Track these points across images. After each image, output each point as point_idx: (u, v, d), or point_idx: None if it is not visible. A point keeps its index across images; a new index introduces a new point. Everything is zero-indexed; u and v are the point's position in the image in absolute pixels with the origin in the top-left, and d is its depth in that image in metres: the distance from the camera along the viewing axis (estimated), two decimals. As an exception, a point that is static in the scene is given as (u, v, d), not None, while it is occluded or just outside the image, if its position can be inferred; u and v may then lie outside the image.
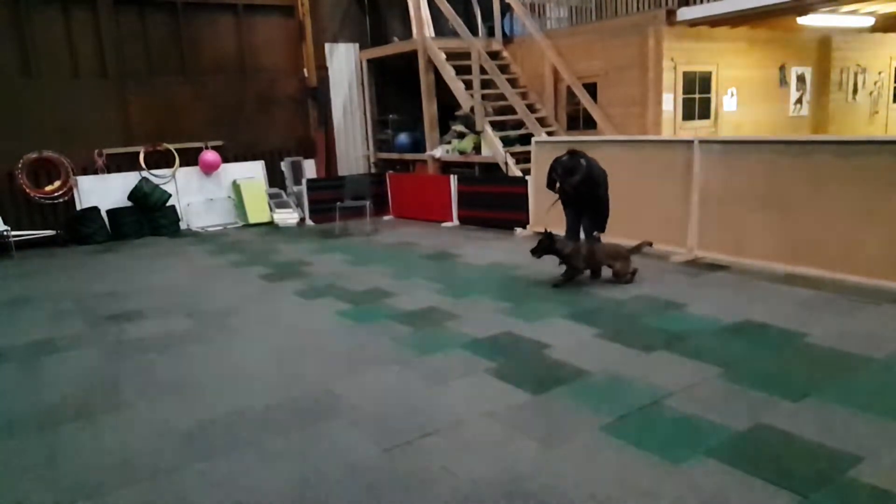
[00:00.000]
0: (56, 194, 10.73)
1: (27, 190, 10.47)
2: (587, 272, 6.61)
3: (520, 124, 11.10)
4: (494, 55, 11.87)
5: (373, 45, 13.53)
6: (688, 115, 10.40)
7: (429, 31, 11.84)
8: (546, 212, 6.94)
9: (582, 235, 6.78)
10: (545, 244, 6.46)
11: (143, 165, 11.39)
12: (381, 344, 5.20)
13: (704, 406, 3.80)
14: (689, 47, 10.03)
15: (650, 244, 6.80)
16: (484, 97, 11.05)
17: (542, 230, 6.60)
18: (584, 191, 6.51)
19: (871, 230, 5.94)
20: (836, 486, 2.98)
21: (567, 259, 6.50)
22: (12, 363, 5.24)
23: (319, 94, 13.10)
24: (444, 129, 12.20)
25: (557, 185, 6.75)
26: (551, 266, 6.57)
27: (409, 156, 13.02)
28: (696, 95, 10.45)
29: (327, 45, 13.14)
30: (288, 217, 11.81)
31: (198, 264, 8.82)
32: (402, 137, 13.14)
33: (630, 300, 5.98)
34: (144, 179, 11.32)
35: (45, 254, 10.07)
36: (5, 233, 10.01)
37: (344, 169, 13.40)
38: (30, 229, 10.49)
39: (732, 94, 10.86)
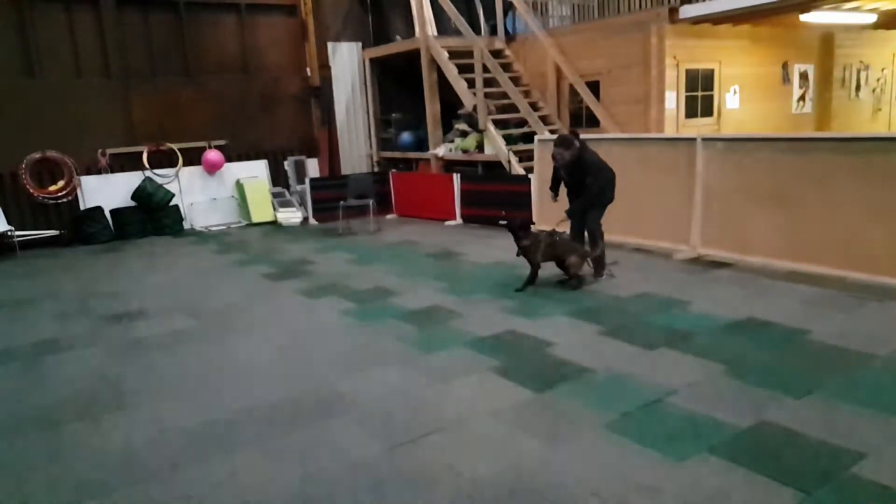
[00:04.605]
0: (59, 194, 10.75)
1: (31, 190, 10.49)
2: (578, 275, 6.55)
3: (522, 122, 11.10)
4: (497, 53, 11.87)
5: (375, 44, 13.54)
6: (690, 112, 10.39)
7: (431, 29, 11.84)
8: (554, 199, 6.97)
9: (586, 236, 6.77)
10: (516, 223, 6.53)
11: (147, 165, 11.40)
12: (385, 342, 5.22)
13: (707, 403, 3.80)
14: (691, 45, 10.03)
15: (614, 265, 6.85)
16: (486, 95, 11.05)
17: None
18: (576, 177, 6.54)
19: (874, 227, 5.93)
20: (839, 483, 2.98)
21: (525, 252, 6.48)
22: (17, 363, 5.27)
23: (322, 93, 13.11)
24: (446, 127, 12.22)
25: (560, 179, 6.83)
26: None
27: (412, 154, 13.03)
28: (699, 93, 10.44)
29: (330, 45, 13.16)
30: (291, 216, 11.83)
31: (201, 264, 8.84)
32: (405, 136, 13.15)
33: (633, 298, 5.99)
34: (148, 179, 11.34)
35: (49, 253, 10.10)
36: (9, 233, 10.04)
37: (347, 168, 13.42)
38: (34, 229, 10.52)
39: (735, 92, 10.85)
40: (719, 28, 10.21)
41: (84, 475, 3.45)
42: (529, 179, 9.46)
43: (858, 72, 12.35)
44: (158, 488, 3.28)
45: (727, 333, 4.96)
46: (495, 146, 10.74)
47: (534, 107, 11.26)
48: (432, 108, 12.03)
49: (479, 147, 11.22)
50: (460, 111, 11.68)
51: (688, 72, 10.16)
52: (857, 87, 12.42)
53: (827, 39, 11.85)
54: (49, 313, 6.65)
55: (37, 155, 10.52)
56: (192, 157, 11.82)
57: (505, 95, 11.18)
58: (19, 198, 10.57)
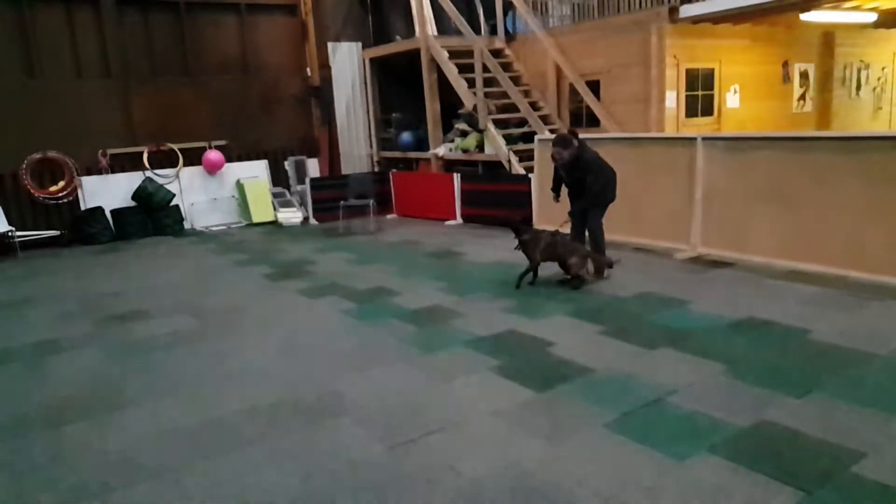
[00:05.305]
0: (60, 195, 10.76)
1: (31, 190, 10.50)
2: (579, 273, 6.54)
3: (522, 122, 11.10)
4: (497, 53, 11.87)
5: (375, 43, 13.54)
6: (691, 112, 10.39)
7: (431, 29, 11.85)
8: (556, 199, 6.99)
9: (587, 235, 6.77)
10: (513, 222, 6.59)
11: (147, 165, 11.41)
12: (386, 342, 5.22)
13: (708, 403, 3.80)
14: (691, 44, 10.02)
15: (617, 261, 6.84)
16: (487, 95, 11.05)
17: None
18: (576, 177, 6.56)
19: (875, 226, 5.93)
20: (840, 482, 2.98)
21: (524, 246, 6.50)
22: (18, 363, 5.27)
23: (322, 93, 13.12)
24: (447, 127, 12.21)
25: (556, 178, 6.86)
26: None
27: (412, 154, 13.03)
28: (699, 92, 10.44)
29: (330, 45, 13.16)
30: (291, 216, 11.83)
31: (202, 264, 8.84)
32: (406, 136, 13.15)
33: (633, 297, 5.98)
34: (148, 179, 11.35)
35: (50, 254, 10.11)
36: (10, 233, 10.04)
37: (347, 168, 13.42)
38: (34, 230, 10.53)
39: (735, 91, 10.84)
40: (719, 27, 10.21)
41: (85, 475, 3.45)
42: (529, 179, 9.46)
43: (859, 71, 12.35)
44: (159, 488, 3.28)
45: (727, 333, 4.96)
46: (495, 146, 10.74)
47: (534, 106, 11.27)
48: (432, 107, 12.03)
49: (480, 147, 11.22)
50: (460, 111, 11.67)
51: (688, 71, 10.15)
52: (858, 86, 12.41)
53: (827, 38, 11.84)
54: (50, 314, 6.66)
55: (37, 155, 10.53)
56: (193, 158, 11.82)
57: (505, 95, 11.18)
58: (20, 198, 10.58)
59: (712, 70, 10.52)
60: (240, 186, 12.08)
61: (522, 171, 10.08)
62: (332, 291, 6.86)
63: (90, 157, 11.06)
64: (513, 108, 11.14)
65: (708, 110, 10.62)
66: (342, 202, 10.59)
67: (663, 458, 3.25)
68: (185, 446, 3.69)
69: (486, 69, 10.98)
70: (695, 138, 7.36)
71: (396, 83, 13.57)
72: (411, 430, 3.70)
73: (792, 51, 11.47)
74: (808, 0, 9.04)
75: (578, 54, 10.91)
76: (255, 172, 12.35)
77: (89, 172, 11.11)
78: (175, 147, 11.64)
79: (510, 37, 12.33)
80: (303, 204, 12.14)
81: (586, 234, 6.74)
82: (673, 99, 9.99)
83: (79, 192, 10.95)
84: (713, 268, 6.85)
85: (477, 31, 11.99)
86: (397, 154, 13.37)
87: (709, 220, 7.26)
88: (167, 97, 11.74)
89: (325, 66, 13.10)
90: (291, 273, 7.84)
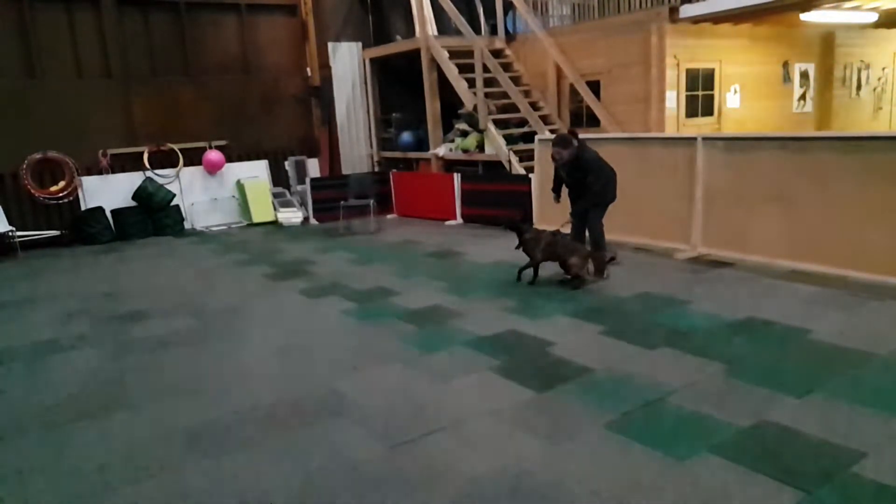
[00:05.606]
0: (60, 195, 10.75)
1: (32, 190, 10.50)
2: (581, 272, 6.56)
3: (523, 122, 11.10)
4: (497, 53, 11.87)
5: (376, 43, 13.55)
6: (691, 112, 10.39)
7: (431, 29, 11.85)
8: (557, 200, 7.01)
9: (587, 235, 6.78)
10: (514, 222, 6.70)
11: (147, 165, 11.41)
12: (386, 342, 5.22)
13: (708, 402, 3.80)
14: (692, 44, 10.03)
15: (614, 257, 6.97)
16: (487, 95, 11.05)
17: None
18: (576, 177, 6.56)
19: (875, 226, 5.93)
20: (840, 482, 2.98)
21: (525, 244, 6.54)
22: (18, 363, 5.27)
23: (323, 93, 13.12)
24: (447, 127, 12.22)
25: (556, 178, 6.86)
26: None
27: (412, 154, 13.04)
28: (700, 92, 10.44)
29: (330, 45, 13.16)
30: (292, 216, 11.83)
31: (202, 264, 8.84)
32: (406, 136, 13.15)
33: (633, 297, 5.98)
34: (148, 179, 11.35)
35: (50, 254, 10.11)
36: (10, 233, 10.04)
37: (347, 168, 13.42)
38: (35, 230, 10.53)
39: (735, 91, 10.84)
40: (720, 27, 10.21)
41: (85, 475, 3.45)
42: (530, 179, 9.46)
43: (859, 71, 12.35)
44: (159, 488, 3.28)
45: (728, 333, 4.96)
46: (496, 146, 10.74)
47: (534, 106, 11.27)
48: (432, 107, 12.03)
49: (480, 147, 11.22)
50: (460, 111, 11.68)
51: (688, 71, 10.16)
52: (858, 87, 12.41)
53: (827, 38, 11.84)
54: (50, 313, 6.66)
55: (38, 155, 10.53)
56: (193, 158, 11.82)
57: (505, 95, 11.18)
58: (20, 198, 10.58)
59: (712, 70, 10.52)
60: (240, 186, 12.07)
61: (522, 171, 10.08)
62: (332, 291, 6.86)
63: (90, 157, 11.06)
64: (513, 108, 11.14)
65: (708, 110, 10.62)
66: (342, 202, 10.59)
67: (663, 458, 3.25)
68: (185, 446, 3.69)
69: (486, 69, 10.98)
70: (695, 138, 7.36)
71: (396, 83, 13.57)
72: (411, 430, 3.70)
73: (792, 51, 11.47)
74: (809, 0, 9.04)
75: (578, 54, 10.91)
76: (255, 172, 12.35)
77: (89, 172, 11.11)
78: (175, 147, 11.63)
79: (510, 37, 12.33)
80: (303, 204, 12.14)
81: (586, 234, 6.75)
82: (673, 99, 9.99)
83: (79, 192, 10.95)
84: (713, 268, 6.85)
85: (477, 31, 11.99)
86: (397, 154, 13.37)
87: (709, 220, 7.26)
88: (167, 97, 11.74)
89: (325, 66, 13.10)
90: (292, 273, 7.84)
